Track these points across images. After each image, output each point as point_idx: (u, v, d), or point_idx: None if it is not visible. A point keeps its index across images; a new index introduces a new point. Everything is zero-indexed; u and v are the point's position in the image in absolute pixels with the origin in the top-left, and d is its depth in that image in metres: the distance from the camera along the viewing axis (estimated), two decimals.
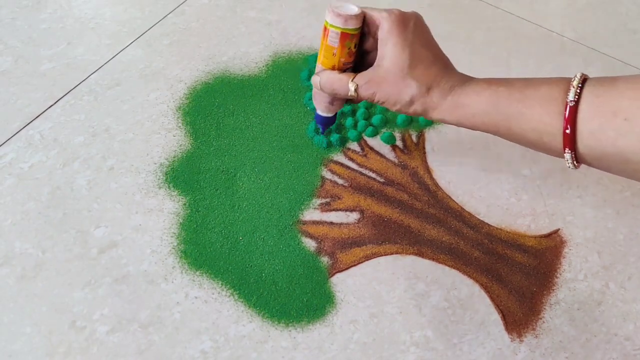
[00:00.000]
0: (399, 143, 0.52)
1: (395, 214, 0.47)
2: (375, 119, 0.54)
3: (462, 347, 0.40)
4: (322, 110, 0.44)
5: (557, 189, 0.50)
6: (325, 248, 0.45)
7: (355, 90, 0.38)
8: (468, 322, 0.42)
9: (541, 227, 0.47)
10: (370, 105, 0.55)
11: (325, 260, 0.44)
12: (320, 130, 0.46)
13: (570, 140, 0.32)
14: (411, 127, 0.54)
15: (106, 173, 0.49)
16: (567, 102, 0.32)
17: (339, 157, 0.51)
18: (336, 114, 0.45)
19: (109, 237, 0.45)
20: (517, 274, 0.44)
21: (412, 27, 0.37)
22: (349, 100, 0.44)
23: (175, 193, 0.48)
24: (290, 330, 0.41)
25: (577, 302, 0.43)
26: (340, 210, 0.47)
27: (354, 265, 0.44)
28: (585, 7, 0.68)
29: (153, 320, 0.41)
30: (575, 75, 0.32)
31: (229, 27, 0.63)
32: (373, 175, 0.50)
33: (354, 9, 0.38)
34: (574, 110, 0.31)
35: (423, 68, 0.37)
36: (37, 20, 0.63)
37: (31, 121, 0.53)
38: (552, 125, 0.33)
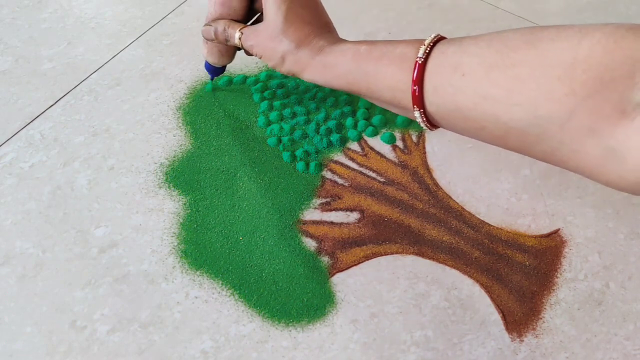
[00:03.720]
0: (399, 143, 0.52)
1: (395, 213, 0.47)
2: (376, 119, 0.54)
3: (462, 346, 0.40)
4: (215, 61, 0.47)
5: (557, 188, 0.50)
6: (325, 248, 0.45)
7: (239, 39, 0.41)
8: (468, 322, 0.42)
9: (541, 226, 0.47)
10: (371, 106, 0.55)
11: (325, 260, 0.44)
12: (210, 77, 0.49)
13: (418, 98, 0.32)
14: (411, 127, 0.54)
15: (106, 173, 0.49)
16: (416, 59, 0.32)
17: (339, 157, 0.51)
18: (225, 65, 0.48)
19: (109, 237, 0.45)
20: (517, 273, 0.44)
21: None
22: (237, 50, 0.46)
23: (176, 193, 0.48)
24: (290, 330, 0.41)
25: (577, 302, 0.43)
26: (340, 210, 0.47)
27: (354, 265, 0.44)
28: (585, 7, 0.68)
29: (153, 320, 0.41)
30: (431, 35, 0.32)
31: None
32: (373, 175, 0.50)
33: None
34: (422, 67, 0.31)
35: (296, 26, 0.37)
36: (37, 19, 0.63)
37: (31, 121, 0.53)
38: (403, 82, 0.33)
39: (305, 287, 0.43)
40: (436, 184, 0.49)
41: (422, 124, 0.34)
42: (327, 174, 0.50)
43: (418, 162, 0.51)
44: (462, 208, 0.48)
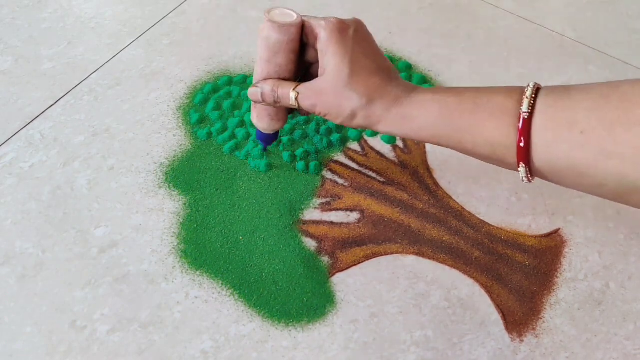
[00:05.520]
0: (399, 143, 0.52)
1: (395, 213, 0.47)
2: None
3: (462, 346, 0.40)
4: (265, 127, 0.41)
5: (557, 188, 0.49)
6: (325, 248, 0.45)
7: (296, 99, 0.37)
8: (468, 322, 0.42)
9: (541, 226, 0.47)
10: None
11: (325, 260, 0.44)
12: (262, 147, 0.43)
13: (525, 154, 0.31)
14: None
15: (106, 173, 0.49)
16: (520, 113, 0.30)
17: (340, 157, 0.51)
18: (278, 131, 0.42)
19: (110, 237, 0.45)
20: (517, 273, 0.44)
21: (352, 34, 0.35)
22: (292, 113, 0.41)
23: (176, 193, 0.48)
24: (290, 330, 0.41)
25: (577, 302, 0.43)
26: (340, 210, 0.47)
27: (355, 265, 0.44)
28: (585, 7, 0.68)
29: (153, 320, 0.41)
30: (529, 85, 0.31)
31: (229, 27, 0.63)
32: (373, 174, 0.50)
33: (292, 16, 0.36)
34: (528, 122, 0.30)
35: (364, 78, 0.34)
36: (37, 19, 0.63)
37: (32, 121, 0.53)
38: (505, 138, 0.31)
39: (305, 287, 0.43)
40: (436, 184, 0.49)
41: (524, 179, 0.32)
42: (327, 174, 0.50)
43: (418, 162, 0.51)
44: (462, 208, 0.48)
